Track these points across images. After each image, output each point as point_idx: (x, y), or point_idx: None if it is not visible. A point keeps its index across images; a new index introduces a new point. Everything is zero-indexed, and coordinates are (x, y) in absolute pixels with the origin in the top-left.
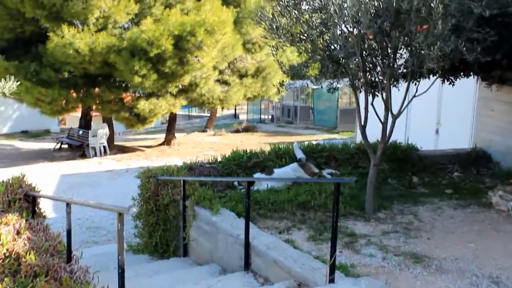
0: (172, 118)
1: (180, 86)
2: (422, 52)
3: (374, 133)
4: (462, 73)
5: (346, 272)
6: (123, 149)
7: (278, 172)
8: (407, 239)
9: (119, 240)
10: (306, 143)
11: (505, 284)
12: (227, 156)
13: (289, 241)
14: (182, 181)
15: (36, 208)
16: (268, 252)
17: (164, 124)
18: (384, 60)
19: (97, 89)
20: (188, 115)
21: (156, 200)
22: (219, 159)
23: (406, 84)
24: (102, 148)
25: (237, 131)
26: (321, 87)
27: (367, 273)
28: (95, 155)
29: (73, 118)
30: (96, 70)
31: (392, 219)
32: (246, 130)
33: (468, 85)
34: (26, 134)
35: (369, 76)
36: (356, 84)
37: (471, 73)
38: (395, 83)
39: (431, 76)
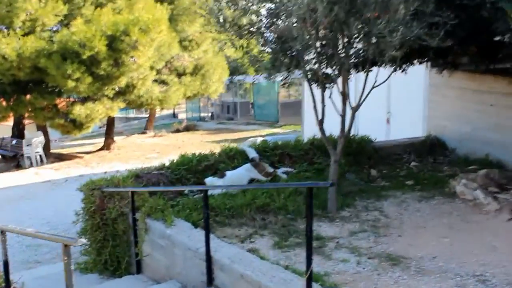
0: (110, 121)
1: (117, 88)
2: (383, 39)
3: (327, 128)
4: (416, 60)
5: (322, 283)
6: (61, 157)
7: (231, 174)
8: (377, 238)
9: (67, 275)
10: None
11: (492, 282)
12: (175, 161)
13: (253, 251)
14: (130, 192)
15: None
16: (233, 266)
17: (101, 127)
18: (341, 50)
19: (28, 96)
20: (126, 117)
21: (103, 214)
22: (167, 163)
23: (364, 74)
24: (38, 157)
25: (178, 130)
26: (273, 81)
27: (343, 282)
28: (31, 165)
29: (5, 127)
30: (26, 76)
31: (358, 217)
32: (187, 129)
33: (417, 72)
34: None
35: (325, 68)
36: (310, 77)
37: (426, 60)
38: (350, 74)
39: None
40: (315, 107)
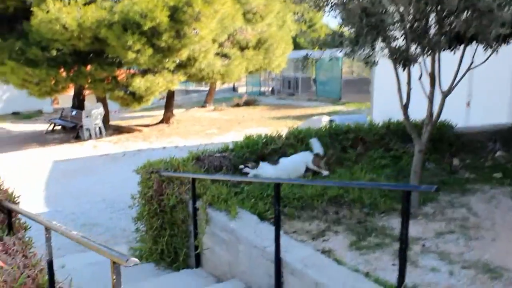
0: (170, 95)
1: (178, 61)
2: (489, 14)
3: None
4: None
5: None
6: (120, 129)
7: (286, 161)
8: (467, 241)
9: None
10: (322, 119)
11: None
12: (239, 143)
13: (328, 252)
14: (191, 179)
15: (13, 220)
16: (306, 272)
17: (161, 100)
18: (435, 26)
19: (88, 67)
20: (186, 90)
21: (160, 200)
22: (231, 145)
23: (451, 54)
24: (97, 129)
25: (238, 105)
26: (353, 59)
27: None
28: (90, 137)
29: (67, 97)
30: (86, 47)
31: (443, 215)
32: (247, 104)
33: (504, 51)
34: (17, 116)
35: (416, 46)
36: (398, 56)
37: None
38: (441, 50)
39: (483, 43)
40: (399, 89)
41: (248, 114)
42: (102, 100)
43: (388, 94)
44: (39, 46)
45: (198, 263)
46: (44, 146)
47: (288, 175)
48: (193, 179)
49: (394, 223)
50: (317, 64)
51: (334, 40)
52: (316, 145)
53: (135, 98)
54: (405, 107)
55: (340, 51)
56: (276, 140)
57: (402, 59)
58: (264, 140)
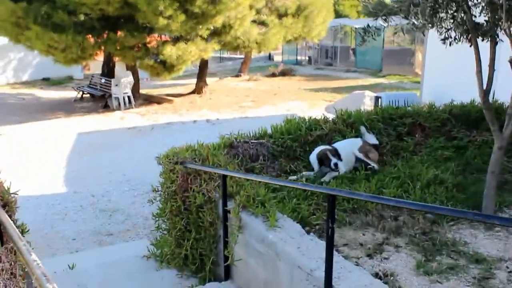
0: (203, 64)
1: (212, 28)
2: None
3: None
4: None
5: None
6: (150, 99)
7: (340, 149)
8: None
9: None
10: (364, 94)
11: None
12: (279, 128)
13: (390, 276)
14: (221, 176)
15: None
16: None
17: (194, 67)
18: None
19: (117, 34)
20: (220, 57)
21: (185, 196)
22: (269, 130)
23: None
24: (126, 98)
25: (273, 75)
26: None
27: None
28: (119, 106)
29: (98, 63)
30: (115, 12)
31: None
32: (283, 74)
33: None
34: (47, 82)
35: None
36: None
37: None
38: None
39: None
40: (480, 71)
41: (284, 85)
42: (132, 68)
43: (442, 71)
44: (66, 10)
45: (227, 275)
46: (71, 115)
47: (343, 166)
48: (224, 176)
49: (467, 235)
50: (357, 33)
51: (407, 11)
52: (369, 136)
53: (166, 67)
54: (485, 94)
55: (409, 23)
56: (322, 125)
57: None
58: (307, 125)
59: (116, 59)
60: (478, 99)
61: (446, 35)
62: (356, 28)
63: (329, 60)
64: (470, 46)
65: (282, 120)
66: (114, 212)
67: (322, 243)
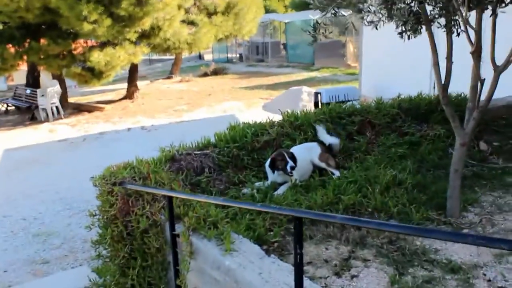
0: (133, 68)
1: (140, 31)
2: None
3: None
4: None
5: None
6: (79, 108)
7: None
8: None
9: None
10: (302, 90)
11: None
12: (223, 135)
13: None
14: (167, 197)
15: None
16: None
17: (124, 70)
18: None
19: (40, 42)
20: (149, 59)
21: (127, 221)
22: (212, 139)
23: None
24: (54, 108)
25: (206, 74)
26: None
27: None
28: (47, 117)
29: (22, 73)
30: (35, 19)
31: (493, 225)
32: (215, 73)
33: None
34: None
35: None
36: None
37: None
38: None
39: None
40: (437, 63)
41: (218, 84)
42: (58, 77)
43: (379, 63)
44: None
45: None
46: None
47: (300, 176)
48: (170, 198)
49: (436, 241)
50: (286, 27)
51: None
52: (325, 135)
53: (94, 74)
54: (445, 89)
55: (363, 17)
56: (268, 129)
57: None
58: (253, 130)
59: (41, 68)
60: (424, 91)
61: (403, 28)
62: (286, 22)
63: (260, 56)
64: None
65: (219, 122)
66: (49, 236)
67: (286, 266)
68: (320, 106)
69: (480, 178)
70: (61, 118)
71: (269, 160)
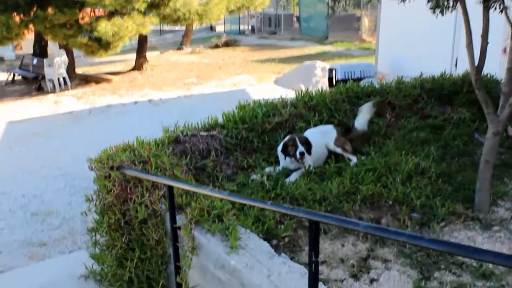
0: (142, 39)
1: (149, 1)
2: None
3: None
4: None
5: None
6: (87, 79)
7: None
8: None
9: None
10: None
11: None
12: (232, 115)
13: None
14: (167, 187)
15: None
16: None
17: (134, 41)
18: None
19: (45, 10)
20: (160, 29)
21: (125, 208)
22: (220, 119)
23: None
24: (61, 79)
25: (217, 46)
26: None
27: None
28: (54, 88)
29: (31, 42)
30: None
31: None
32: (227, 44)
33: None
34: None
35: None
36: None
37: None
38: None
39: None
40: (470, 43)
41: (229, 57)
42: (66, 47)
43: (398, 39)
44: None
45: None
46: (1, 100)
47: (314, 161)
48: (171, 188)
49: (463, 239)
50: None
51: None
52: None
53: (101, 44)
54: (478, 71)
55: None
56: (280, 109)
57: None
58: (264, 110)
59: (47, 37)
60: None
61: (436, 3)
62: None
63: (273, 28)
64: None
65: (229, 97)
66: (48, 216)
67: (298, 268)
68: (334, 83)
69: (509, 167)
70: (68, 89)
71: (281, 144)
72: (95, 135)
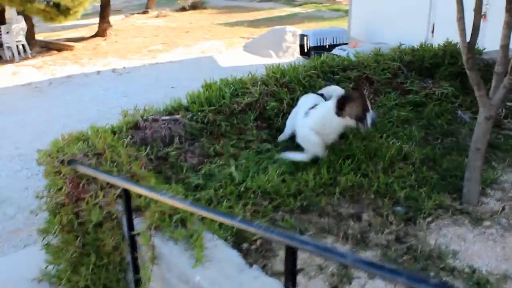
0: (105, 2)
1: None
2: None
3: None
4: None
5: None
6: (48, 46)
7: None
8: None
9: None
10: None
11: None
12: (197, 97)
13: None
14: (123, 190)
15: None
16: None
17: (97, 3)
18: None
19: None
20: None
21: (78, 209)
22: (184, 100)
23: None
24: (20, 47)
25: (183, 9)
26: None
27: None
28: (13, 56)
29: None
30: None
31: None
32: (194, 7)
33: None
34: None
35: None
36: None
37: None
38: None
39: None
40: (462, 17)
41: (196, 20)
42: (23, 13)
43: (373, 3)
44: None
45: None
46: None
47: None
48: (127, 191)
49: (453, 237)
50: None
51: None
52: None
53: (60, 10)
54: (470, 48)
55: None
56: (250, 88)
57: None
58: (232, 89)
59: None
60: (422, 36)
61: None
62: None
63: None
64: None
65: (197, 65)
66: (2, 203)
67: (272, 283)
68: (306, 50)
69: (496, 149)
70: (28, 58)
71: (336, 100)
72: (56, 109)
